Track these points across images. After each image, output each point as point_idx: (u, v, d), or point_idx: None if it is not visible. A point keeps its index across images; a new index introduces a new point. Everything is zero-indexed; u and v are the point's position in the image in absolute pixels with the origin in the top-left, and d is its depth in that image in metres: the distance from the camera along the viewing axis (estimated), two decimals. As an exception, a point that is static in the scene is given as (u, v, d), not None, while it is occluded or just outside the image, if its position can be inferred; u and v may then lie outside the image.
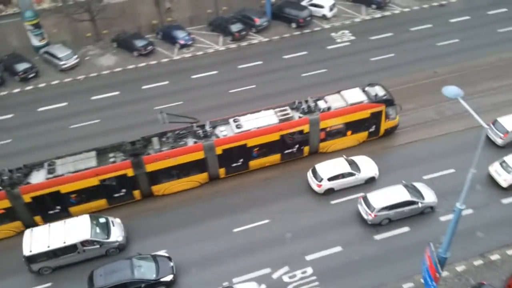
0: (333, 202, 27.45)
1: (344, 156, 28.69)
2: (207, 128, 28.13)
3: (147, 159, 26.76)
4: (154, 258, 23.99)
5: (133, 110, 34.91)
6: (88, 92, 37.16)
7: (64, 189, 25.94)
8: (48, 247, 23.63)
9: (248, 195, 28.24)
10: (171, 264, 23.94)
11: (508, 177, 26.95)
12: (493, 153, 29.07)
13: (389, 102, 29.82)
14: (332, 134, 29.99)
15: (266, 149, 28.94)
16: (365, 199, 25.90)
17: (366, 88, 30.33)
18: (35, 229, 24.76)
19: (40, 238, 23.99)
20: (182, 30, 42.34)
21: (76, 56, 40.05)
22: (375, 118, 29.90)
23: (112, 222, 25.72)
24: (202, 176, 28.96)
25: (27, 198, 25.52)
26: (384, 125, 30.63)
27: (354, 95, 29.79)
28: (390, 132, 31.32)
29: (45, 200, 25.96)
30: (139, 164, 26.70)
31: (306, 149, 30.09)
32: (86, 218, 25.13)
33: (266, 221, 26.56)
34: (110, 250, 24.99)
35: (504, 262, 23.60)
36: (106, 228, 25.17)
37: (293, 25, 43.25)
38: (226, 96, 35.55)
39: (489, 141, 29.84)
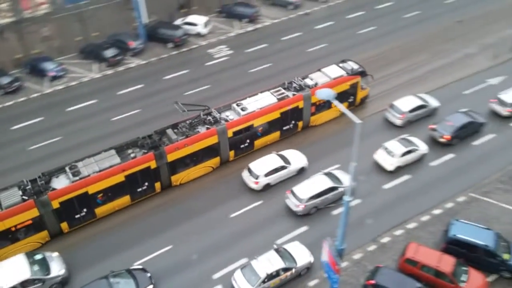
0: (232, 215, 27.59)
1: (275, 152, 30.21)
2: (215, 114, 29.78)
3: (169, 149, 27.66)
4: (130, 272, 23.58)
5: (3, 154, 31.93)
6: None
7: (92, 189, 25.86)
8: None
9: (177, 209, 28.00)
10: (148, 274, 23.68)
11: (393, 160, 29.42)
12: (394, 133, 32.28)
13: (363, 73, 33.73)
14: (320, 108, 32.97)
15: (269, 127, 31.23)
16: (292, 192, 27.01)
17: (341, 64, 34.00)
18: None
19: None
20: (51, 61, 39.77)
21: None
22: (353, 89, 33.58)
23: (50, 256, 24.41)
24: (215, 161, 30.36)
25: (55, 204, 25.07)
26: (360, 94, 34.36)
27: (334, 70, 33.32)
28: (363, 101, 35.12)
29: (72, 203, 25.64)
30: (161, 155, 27.51)
31: (300, 124, 32.77)
32: (21, 257, 23.76)
33: (169, 247, 25.89)
34: (52, 286, 23.60)
35: (394, 243, 25.51)
36: (44, 264, 23.85)
37: (170, 45, 42.99)
38: (108, 125, 34.05)
39: (390, 123, 33.40)
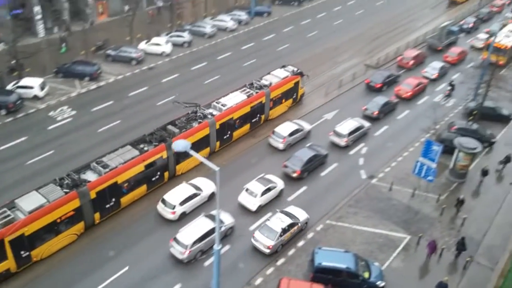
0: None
1: (185, 181, 31.40)
2: (202, 111, 34.43)
3: (176, 140, 30.11)
4: None
5: None
6: None
7: (120, 179, 28.81)
8: None
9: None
10: None
11: (256, 200, 30.39)
12: (278, 157, 35.49)
13: (301, 74, 41.34)
14: (275, 103, 39.61)
15: (242, 120, 36.74)
16: (176, 240, 26.44)
17: (283, 69, 41.38)
18: None
19: None
20: None
21: None
22: (296, 87, 41.14)
23: None
24: (206, 151, 34.74)
25: (93, 194, 27.48)
26: (300, 91, 41.95)
27: (281, 72, 40.71)
28: (301, 98, 42.82)
29: (105, 193, 28.20)
30: (170, 145, 30.86)
31: (263, 117, 39.08)
32: None
33: None
34: None
35: (266, 282, 25.98)
36: None
37: (2, 112, 38.95)
38: None
39: (273, 148, 36.75)
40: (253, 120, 37.90)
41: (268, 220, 28.40)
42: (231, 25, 57.66)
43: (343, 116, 40.54)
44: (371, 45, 55.68)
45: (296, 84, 41.02)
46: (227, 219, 28.73)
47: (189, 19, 59.03)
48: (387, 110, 41.90)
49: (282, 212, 29.13)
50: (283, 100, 40.42)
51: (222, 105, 35.37)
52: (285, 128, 36.92)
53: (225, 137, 35.67)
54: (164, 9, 58.98)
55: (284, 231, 27.74)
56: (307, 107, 42.56)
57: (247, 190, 30.97)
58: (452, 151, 33.89)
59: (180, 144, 19.74)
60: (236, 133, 36.81)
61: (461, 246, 27.34)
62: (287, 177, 33.53)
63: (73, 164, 30.41)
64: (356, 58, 52.19)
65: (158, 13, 59.94)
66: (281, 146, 36.30)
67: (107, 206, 28.84)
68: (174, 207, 29.15)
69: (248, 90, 37.84)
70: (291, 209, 29.88)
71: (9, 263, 24.86)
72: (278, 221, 28.06)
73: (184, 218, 29.51)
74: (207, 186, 31.32)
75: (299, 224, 28.83)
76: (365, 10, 67.19)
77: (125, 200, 29.91)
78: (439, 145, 30.54)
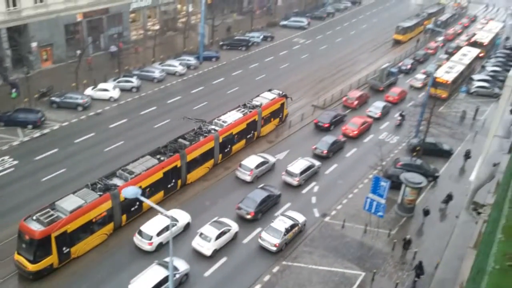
0: None
1: (160, 213, 30.63)
2: (207, 127, 38.52)
3: (188, 150, 35.31)
4: None
5: None
6: None
7: (144, 184, 31.54)
8: None
9: None
10: None
11: (209, 245, 29.69)
12: (231, 199, 35.23)
13: (286, 96, 46.35)
14: (265, 121, 43.73)
15: (240, 136, 40.58)
16: None
17: (270, 92, 46.20)
18: None
19: None
20: None
21: None
22: (282, 107, 46.02)
23: None
24: (211, 162, 38.39)
25: (122, 197, 29.41)
26: (285, 112, 46.75)
27: (269, 94, 45.64)
28: (286, 117, 47.30)
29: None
30: (184, 155, 34.86)
31: (255, 133, 42.99)
32: None
33: None
34: None
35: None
36: None
37: None
38: None
39: (241, 180, 37.92)
40: (248, 136, 41.80)
41: (272, 222, 31.44)
42: (180, 69, 58.06)
43: (294, 155, 41.16)
44: (317, 87, 57.63)
45: (282, 105, 45.85)
46: (182, 266, 27.84)
47: (137, 64, 58.96)
48: (336, 148, 43.01)
49: (283, 215, 32.43)
50: (272, 119, 44.95)
51: (223, 121, 39.43)
52: (251, 161, 38.07)
53: (226, 150, 39.37)
54: (114, 55, 58.59)
55: (287, 230, 30.82)
56: (260, 148, 42.92)
57: (201, 234, 30.32)
58: (399, 186, 35.01)
59: (130, 191, 19.20)
60: (235, 147, 40.58)
61: (419, 270, 28.11)
62: (241, 219, 33.22)
63: (14, 217, 28.68)
64: (304, 99, 53.72)
65: (111, 58, 59.32)
66: (248, 178, 37.38)
67: (132, 209, 31.65)
68: (151, 238, 29.64)
69: (243, 109, 41.96)
70: (290, 213, 33.23)
71: (53, 258, 27.28)
72: (281, 223, 31.25)
73: (161, 248, 30.04)
74: (182, 217, 32.17)
75: (299, 225, 32.01)
76: (310, 54, 69.92)
77: (146, 205, 31.72)
78: (386, 181, 31.48)
